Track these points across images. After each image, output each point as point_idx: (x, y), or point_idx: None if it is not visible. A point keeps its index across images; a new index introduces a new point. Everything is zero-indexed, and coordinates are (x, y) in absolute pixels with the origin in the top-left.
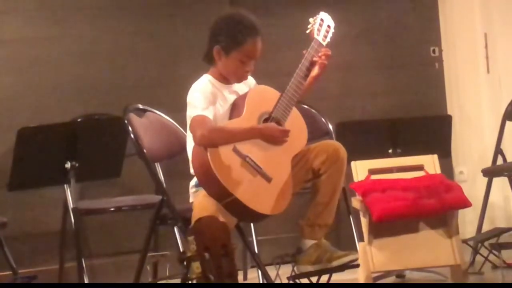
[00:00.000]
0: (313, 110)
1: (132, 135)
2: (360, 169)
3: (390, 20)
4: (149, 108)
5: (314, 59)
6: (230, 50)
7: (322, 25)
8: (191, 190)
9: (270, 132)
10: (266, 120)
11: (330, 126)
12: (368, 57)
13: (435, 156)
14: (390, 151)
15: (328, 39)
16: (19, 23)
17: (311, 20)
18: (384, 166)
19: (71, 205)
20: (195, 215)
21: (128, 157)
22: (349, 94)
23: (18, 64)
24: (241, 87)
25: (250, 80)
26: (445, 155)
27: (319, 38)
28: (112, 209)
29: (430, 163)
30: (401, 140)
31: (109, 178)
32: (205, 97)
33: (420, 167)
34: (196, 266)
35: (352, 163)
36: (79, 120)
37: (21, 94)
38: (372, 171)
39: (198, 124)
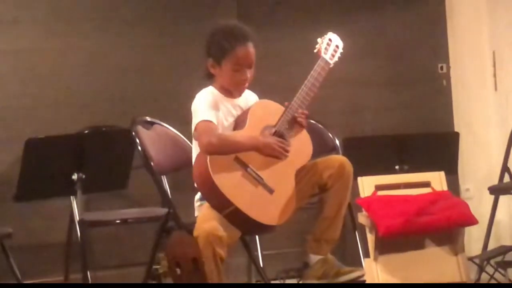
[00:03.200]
0: (320, 125)
1: (139, 147)
2: (367, 185)
3: (398, 36)
4: (157, 121)
5: (319, 78)
6: (220, 60)
7: (330, 45)
8: (196, 203)
9: (269, 145)
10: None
11: (337, 142)
12: (375, 73)
13: (442, 173)
14: (396, 167)
15: (335, 59)
16: (30, 34)
17: (319, 40)
18: (390, 182)
19: (77, 216)
20: (197, 226)
21: (134, 169)
22: (356, 110)
23: (28, 75)
24: (245, 103)
25: (253, 97)
26: (451, 172)
27: (326, 56)
28: (118, 221)
29: (437, 180)
30: (408, 156)
31: (115, 190)
32: (208, 104)
33: (426, 184)
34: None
35: (359, 178)
36: (86, 132)
37: (29, 105)
38: (378, 187)
39: (204, 131)
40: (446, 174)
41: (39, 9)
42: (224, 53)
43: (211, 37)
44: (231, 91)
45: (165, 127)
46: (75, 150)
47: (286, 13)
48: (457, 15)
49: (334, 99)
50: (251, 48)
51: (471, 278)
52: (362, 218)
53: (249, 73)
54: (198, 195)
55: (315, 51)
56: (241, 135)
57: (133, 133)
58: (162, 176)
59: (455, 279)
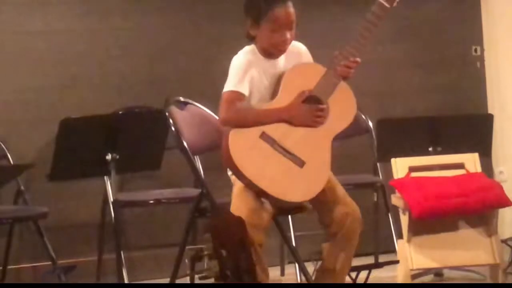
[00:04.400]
0: None
1: (173, 128)
2: (400, 166)
3: (432, 18)
4: (190, 101)
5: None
6: (259, 21)
7: None
8: (229, 172)
9: (298, 116)
10: (304, 100)
11: (370, 123)
12: (409, 55)
13: (476, 155)
14: (430, 149)
15: (395, 2)
16: (63, 15)
17: None
18: (424, 163)
19: (111, 197)
20: (234, 207)
21: (168, 150)
22: (389, 92)
23: (62, 56)
24: (289, 60)
25: (298, 53)
26: (485, 154)
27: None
28: (152, 201)
29: (471, 161)
30: (442, 138)
31: (149, 171)
32: (240, 69)
33: (460, 166)
34: (213, 264)
35: (392, 160)
36: (120, 112)
37: (64, 85)
38: (412, 169)
39: (225, 102)
40: (480, 156)
41: None
42: (262, 13)
43: None
44: (272, 53)
45: (199, 107)
46: (109, 131)
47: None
48: None
49: (367, 80)
50: (290, 8)
51: (505, 260)
52: (396, 199)
53: (289, 34)
54: None
55: None
56: (266, 108)
57: (167, 114)
58: (195, 157)
59: (489, 261)
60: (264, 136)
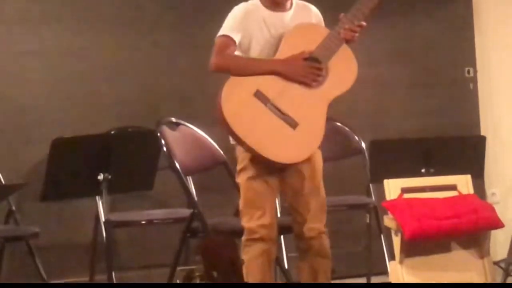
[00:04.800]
0: (346, 128)
1: (164, 148)
2: (393, 187)
3: (425, 39)
4: (182, 122)
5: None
6: None
7: None
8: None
9: (292, 69)
10: (305, 59)
11: (363, 144)
12: (402, 76)
13: (468, 177)
14: (423, 170)
15: None
16: (56, 34)
17: None
18: (417, 185)
19: (102, 217)
20: (242, 198)
21: (160, 170)
22: (382, 113)
23: (55, 75)
24: (296, 21)
25: (310, 13)
26: (478, 176)
27: None
28: (144, 222)
29: (463, 183)
30: (434, 159)
31: (141, 191)
32: (234, 17)
33: (453, 187)
34: None
35: (385, 181)
36: (112, 132)
37: (56, 105)
38: (404, 190)
39: (217, 47)
40: (473, 177)
41: (66, 9)
42: None
43: None
44: (278, 2)
45: (191, 128)
46: (101, 151)
47: None
48: (485, 18)
49: (360, 101)
50: None
51: (497, 281)
52: (388, 221)
53: None
54: None
55: None
56: (260, 58)
57: (159, 134)
58: (187, 177)
59: (481, 282)
60: (258, 94)
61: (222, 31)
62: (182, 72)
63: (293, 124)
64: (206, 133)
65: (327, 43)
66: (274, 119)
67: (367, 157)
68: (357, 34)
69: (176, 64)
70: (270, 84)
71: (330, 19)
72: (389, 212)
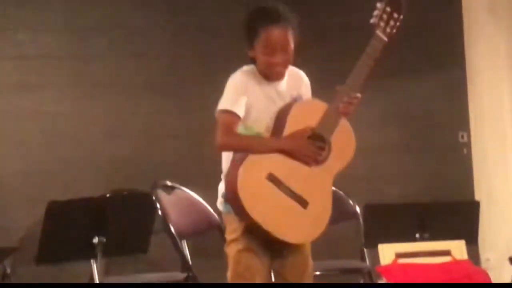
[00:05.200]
0: (340, 192)
1: (160, 212)
2: (387, 252)
3: (419, 104)
4: (177, 185)
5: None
6: (252, 42)
7: (389, 16)
8: (221, 199)
9: (296, 150)
10: (309, 137)
11: (358, 208)
12: (396, 140)
13: (463, 242)
14: (417, 235)
15: (393, 30)
16: (54, 98)
17: (378, 5)
18: (411, 250)
19: (97, 280)
20: (231, 271)
21: (155, 233)
22: (376, 177)
23: (51, 138)
24: (289, 87)
25: (300, 81)
26: (472, 241)
27: (381, 33)
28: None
29: (458, 248)
30: (429, 224)
31: (136, 254)
32: (235, 89)
33: (447, 253)
34: None
35: (379, 246)
36: (108, 195)
37: (52, 168)
38: (399, 255)
39: (222, 124)
40: (467, 243)
41: (63, 74)
42: (254, 35)
43: (244, 19)
44: (268, 74)
45: (186, 191)
46: (96, 214)
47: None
48: (478, 83)
49: (354, 165)
50: (281, 29)
51: None
52: None
53: (283, 56)
54: (223, 189)
55: (371, 21)
56: (266, 137)
57: (154, 197)
58: (182, 240)
59: None
60: (271, 177)
61: (227, 105)
62: (177, 135)
63: (304, 203)
64: (200, 196)
65: (327, 119)
66: (287, 200)
67: (361, 221)
68: (353, 107)
69: (171, 127)
70: (281, 165)
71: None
72: (383, 277)
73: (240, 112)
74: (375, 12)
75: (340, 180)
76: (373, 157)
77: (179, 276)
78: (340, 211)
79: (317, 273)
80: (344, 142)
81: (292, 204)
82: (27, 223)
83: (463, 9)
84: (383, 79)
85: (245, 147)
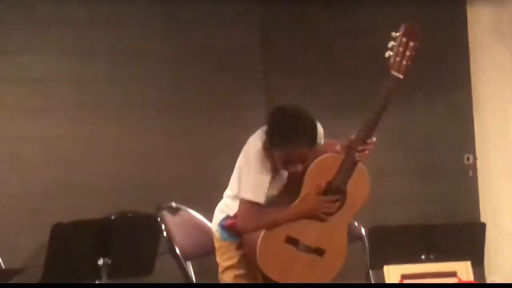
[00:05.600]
0: None
1: (165, 233)
2: (393, 274)
3: (424, 126)
4: (182, 207)
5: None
6: (272, 147)
7: (405, 45)
8: (215, 226)
9: (311, 212)
10: (326, 190)
11: (363, 230)
12: (401, 162)
13: (468, 263)
14: (423, 257)
15: (409, 62)
16: (58, 121)
17: (393, 34)
18: (417, 271)
19: None
20: None
21: (160, 255)
22: (382, 199)
23: (55, 161)
24: None
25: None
26: (478, 263)
27: (395, 71)
28: None
29: (463, 270)
30: (434, 246)
31: (141, 276)
32: (260, 170)
33: (453, 274)
34: None
35: (385, 267)
36: (112, 217)
37: (56, 190)
38: (404, 276)
39: (245, 212)
40: (472, 264)
41: (66, 97)
42: (273, 145)
43: (269, 117)
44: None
45: (191, 213)
46: (101, 236)
47: (314, 100)
48: (484, 106)
49: None
50: (298, 149)
51: None
52: None
53: (300, 167)
54: (220, 217)
55: (386, 55)
56: (281, 211)
57: (159, 219)
58: (187, 262)
59: None
60: (288, 240)
61: (249, 194)
62: (182, 157)
63: (321, 253)
64: (205, 217)
65: (343, 169)
66: (306, 257)
67: (366, 244)
68: (368, 152)
69: (176, 149)
70: (297, 226)
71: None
72: None
73: (262, 200)
74: (390, 44)
75: None
76: (379, 179)
77: None
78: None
79: None
80: (359, 186)
81: (310, 257)
82: (32, 246)
83: (469, 31)
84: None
85: (265, 226)
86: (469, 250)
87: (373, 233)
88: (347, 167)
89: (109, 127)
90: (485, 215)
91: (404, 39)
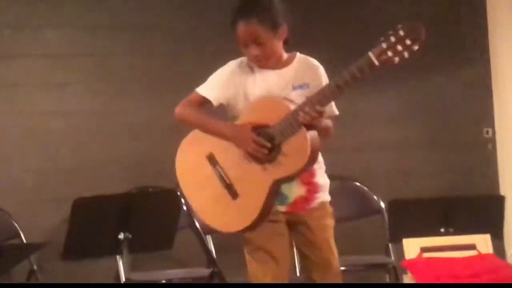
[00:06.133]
0: (364, 187)
1: (185, 207)
2: (412, 247)
3: (443, 99)
4: None
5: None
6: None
7: (401, 38)
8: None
9: (240, 140)
10: (259, 133)
11: (382, 204)
12: (420, 135)
13: (488, 236)
14: (442, 229)
15: (395, 58)
16: (79, 95)
17: (398, 26)
18: (436, 244)
19: (123, 276)
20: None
21: (180, 229)
22: (401, 172)
23: (76, 136)
24: (292, 80)
25: (310, 72)
26: (497, 236)
27: (374, 54)
28: (164, 281)
29: (483, 242)
30: (454, 219)
31: (161, 250)
32: (217, 77)
33: (472, 247)
34: None
35: (404, 241)
36: (133, 192)
37: (77, 165)
38: (424, 249)
39: (188, 99)
40: (492, 237)
41: (88, 72)
42: (232, 29)
43: None
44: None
45: None
46: (122, 210)
47: (332, 76)
48: (502, 79)
49: (379, 161)
50: (246, 23)
51: None
52: (408, 280)
53: (258, 49)
54: None
55: (381, 38)
56: (214, 120)
57: (179, 193)
58: (207, 236)
59: None
60: (210, 157)
61: (200, 89)
62: None
63: (234, 195)
64: None
65: (285, 123)
66: (217, 186)
67: (385, 217)
68: (314, 120)
69: None
70: (224, 150)
71: None
72: (408, 271)
73: (212, 98)
74: (389, 32)
75: (364, 176)
76: (398, 152)
77: (204, 272)
78: (364, 207)
79: (342, 268)
80: (295, 151)
81: (222, 191)
82: (53, 220)
83: (487, 5)
84: (408, 75)
85: (195, 124)
86: (488, 223)
87: (392, 206)
88: (288, 123)
89: (130, 102)
90: (504, 188)
91: (401, 32)
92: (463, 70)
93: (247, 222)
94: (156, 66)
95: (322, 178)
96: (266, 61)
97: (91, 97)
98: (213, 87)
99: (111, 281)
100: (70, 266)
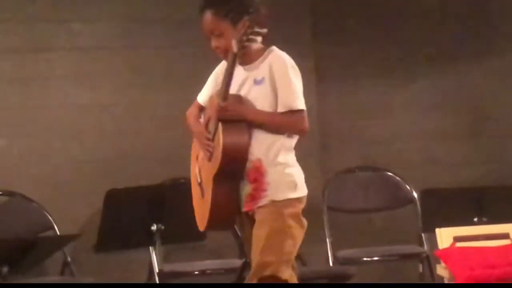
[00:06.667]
0: (397, 177)
1: None
2: (445, 236)
3: (476, 88)
4: None
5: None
6: None
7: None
8: None
9: (197, 132)
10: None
11: (415, 193)
12: (453, 124)
13: None
14: (475, 219)
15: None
16: (109, 88)
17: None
18: (469, 233)
19: (156, 267)
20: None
21: None
22: (433, 161)
23: (109, 128)
24: (255, 74)
25: (268, 64)
26: None
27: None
28: (197, 272)
29: None
30: (487, 208)
31: (194, 242)
32: (207, 81)
33: (505, 236)
34: None
35: (437, 230)
36: (166, 183)
37: (110, 157)
38: (457, 239)
39: (191, 107)
40: None
41: (118, 64)
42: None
43: None
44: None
45: None
46: (155, 202)
47: (364, 66)
48: None
49: (411, 151)
50: (206, 16)
51: None
52: (441, 270)
53: (217, 42)
54: None
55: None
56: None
57: None
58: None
59: None
60: (197, 157)
61: (199, 94)
62: None
63: (202, 193)
64: None
65: (213, 118)
66: (196, 186)
67: (418, 206)
68: (225, 115)
69: None
70: (200, 151)
71: None
72: (442, 261)
73: (201, 101)
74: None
75: (396, 166)
76: (431, 142)
77: (236, 262)
78: (397, 197)
79: (375, 258)
80: (217, 147)
81: (198, 190)
82: (86, 212)
83: None
84: (442, 64)
85: (188, 125)
86: None
87: (425, 196)
88: (214, 118)
89: (161, 94)
90: None
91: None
92: (496, 59)
93: (205, 222)
94: (188, 59)
95: (277, 175)
96: (226, 53)
97: (122, 90)
98: (203, 91)
99: (144, 272)
100: (103, 258)
